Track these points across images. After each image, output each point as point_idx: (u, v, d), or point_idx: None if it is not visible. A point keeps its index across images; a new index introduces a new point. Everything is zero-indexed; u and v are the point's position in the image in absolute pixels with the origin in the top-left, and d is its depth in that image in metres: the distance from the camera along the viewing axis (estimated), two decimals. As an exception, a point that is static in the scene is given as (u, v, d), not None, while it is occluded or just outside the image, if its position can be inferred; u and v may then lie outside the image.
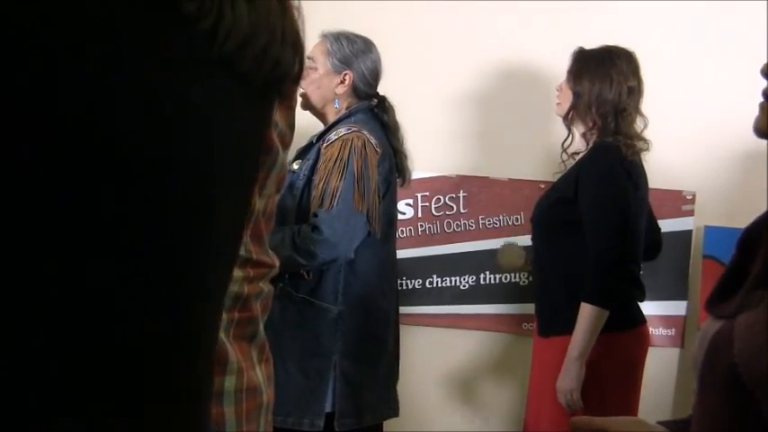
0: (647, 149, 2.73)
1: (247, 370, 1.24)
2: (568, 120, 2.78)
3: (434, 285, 3.44)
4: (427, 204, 3.44)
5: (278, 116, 1.31)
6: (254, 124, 0.75)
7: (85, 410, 0.59)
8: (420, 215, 3.45)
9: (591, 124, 2.73)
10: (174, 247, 0.66)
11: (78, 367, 0.59)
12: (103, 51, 0.58)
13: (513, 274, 3.39)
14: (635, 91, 2.70)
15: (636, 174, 2.68)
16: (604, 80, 2.68)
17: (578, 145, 2.80)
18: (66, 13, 0.56)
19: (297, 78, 0.79)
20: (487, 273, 3.42)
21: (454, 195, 3.43)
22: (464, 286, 3.43)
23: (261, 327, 1.32)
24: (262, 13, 0.69)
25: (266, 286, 1.32)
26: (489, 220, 3.41)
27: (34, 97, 0.54)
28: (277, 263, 1.35)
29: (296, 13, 0.78)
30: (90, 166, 0.58)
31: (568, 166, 2.81)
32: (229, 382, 1.20)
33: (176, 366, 0.68)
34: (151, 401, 0.64)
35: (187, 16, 0.63)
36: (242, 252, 1.23)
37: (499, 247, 3.18)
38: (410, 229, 3.43)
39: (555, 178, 2.88)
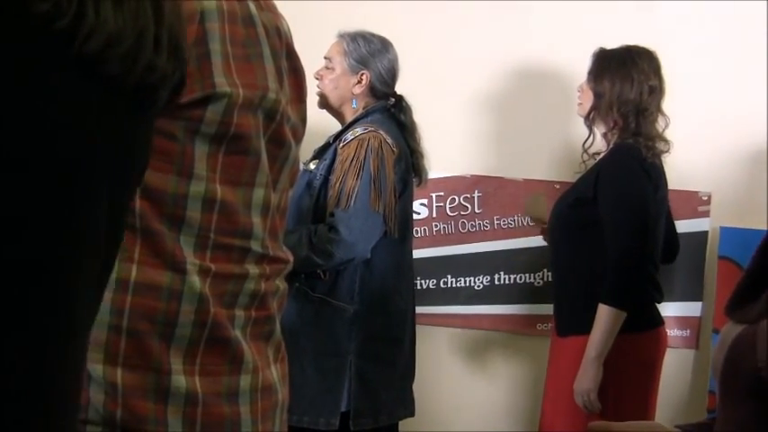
0: (668, 151, 2.72)
1: (263, 369, 1.24)
2: (590, 120, 2.77)
3: (449, 285, 3.43)
4: (442, 204, 3.43)
5: (290, 110, 1.30)
6: (128, 134, 0.71)
7: None
8: (435, 215, 3.44)
9: (612, 124, 2.72)
10: (36, 258, 0.63)
11: None
12: None
13: (527, 275, 3.38)
14: (656, 90, 2.69)
15: (656, 175, 2.67)
16: (626, 80, 2.66)
17: (599, 145, 2.79)
18: None
19: (178, 88, 0.75)
20: (502, 273, 3.40)
21: (469, 195, 3.42)
22: (478, 286, 3.42)
23: (277, 326, 1.31)
24: (129, 16, 0.66)
25: (282, 284, 1.32)
26: (504, 221, 3.40)
27: None
28: (291, 258, 1.34)
29: (182, 23, 0.75)
30: None
31: (589, 167, 2.80)
32: (245, 381, 1.20)
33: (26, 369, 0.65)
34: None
35: (39, 16, 0.59)
36: (258, 248, 1.23)
37: (527, 199, 3.15)
38: (425, 229, 3.41)
39: (575, 178, 2.87)
